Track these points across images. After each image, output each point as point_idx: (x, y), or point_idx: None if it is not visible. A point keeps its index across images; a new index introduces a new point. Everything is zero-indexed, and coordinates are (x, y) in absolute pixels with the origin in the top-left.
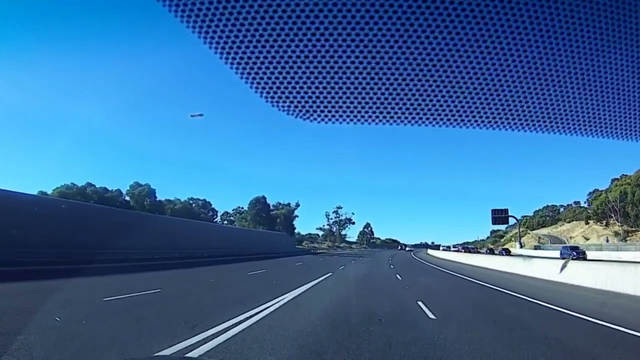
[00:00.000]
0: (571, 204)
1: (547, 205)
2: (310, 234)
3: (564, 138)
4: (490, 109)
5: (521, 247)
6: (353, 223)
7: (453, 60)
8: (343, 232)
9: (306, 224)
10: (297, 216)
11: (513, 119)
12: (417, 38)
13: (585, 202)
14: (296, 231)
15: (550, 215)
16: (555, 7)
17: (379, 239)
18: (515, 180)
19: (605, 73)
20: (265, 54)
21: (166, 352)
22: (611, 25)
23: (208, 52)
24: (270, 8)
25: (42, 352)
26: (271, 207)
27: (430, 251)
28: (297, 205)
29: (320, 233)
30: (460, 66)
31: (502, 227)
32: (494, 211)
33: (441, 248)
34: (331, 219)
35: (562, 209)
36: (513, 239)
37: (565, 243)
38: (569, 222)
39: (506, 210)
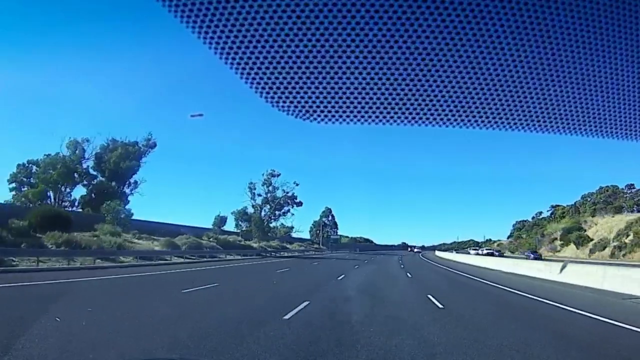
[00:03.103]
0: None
1: (605, 187)
2: (243, 229)
3: (558, 138)
4: (490, 108)
5: None
6: (299, 204)
7: (453, 60)
8: (285, 223)
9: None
10: (140, 165)
11: (513, 119)
12: (417, 38)
13: None
14: (128, 206)
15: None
16: (556, 6)
17: (346, 236)
18: (512, 182)
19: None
20: (265, 54)
21: None
22: (611, 23)
23: (208, 51)
24: (270, 8)
25: None
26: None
27: (440, 253)
28: (151, 144)
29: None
30: (460, 66)
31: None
32: None
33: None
34: (258, 194)
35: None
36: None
37: None
38: None
39: None
